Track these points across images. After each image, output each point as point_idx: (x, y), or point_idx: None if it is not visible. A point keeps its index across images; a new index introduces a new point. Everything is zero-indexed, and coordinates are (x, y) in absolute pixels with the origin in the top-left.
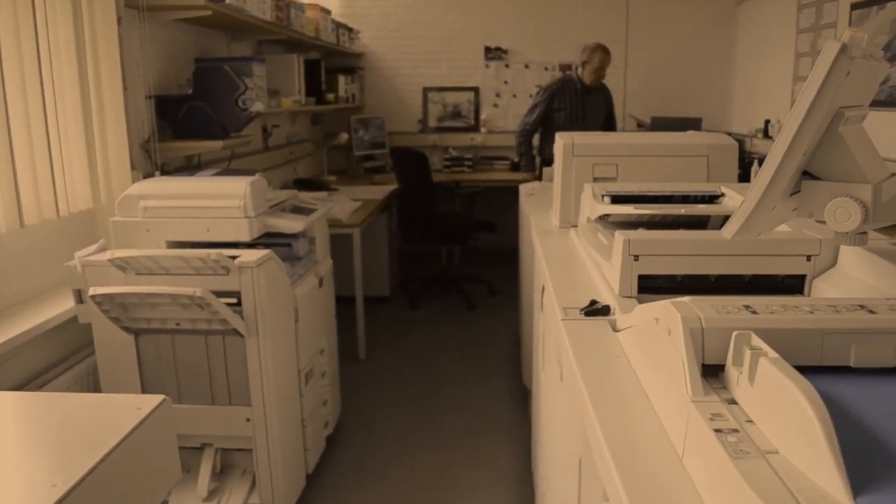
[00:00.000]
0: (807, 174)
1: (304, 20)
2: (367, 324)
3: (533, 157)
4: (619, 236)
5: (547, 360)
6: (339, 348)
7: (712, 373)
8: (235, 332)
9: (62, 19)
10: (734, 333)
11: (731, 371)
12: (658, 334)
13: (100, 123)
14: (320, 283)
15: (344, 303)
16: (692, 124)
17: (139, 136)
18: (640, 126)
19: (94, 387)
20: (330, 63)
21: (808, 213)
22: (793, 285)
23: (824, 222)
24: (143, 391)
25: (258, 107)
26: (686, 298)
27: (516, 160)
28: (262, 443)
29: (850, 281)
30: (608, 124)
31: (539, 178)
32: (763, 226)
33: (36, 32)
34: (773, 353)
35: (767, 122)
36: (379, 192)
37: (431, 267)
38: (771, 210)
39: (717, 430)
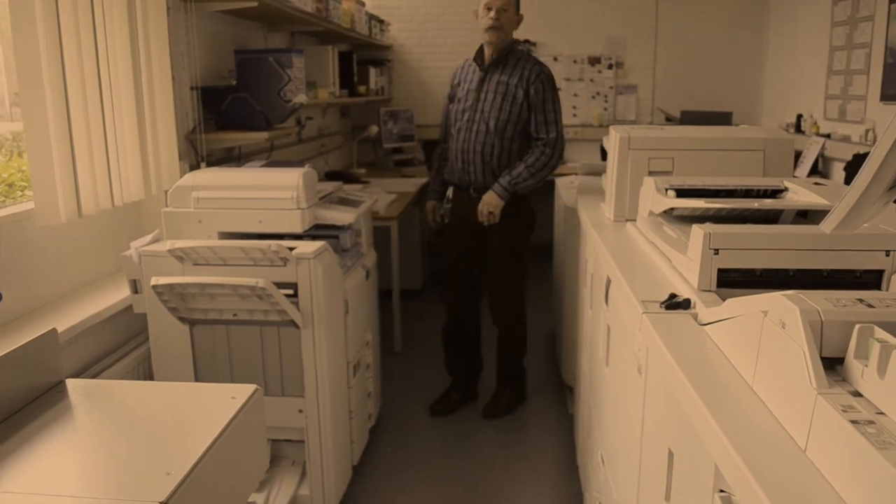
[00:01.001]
0: None
1: (341, 12)
2: (401, 317)
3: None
4: (698, 230)
5: (615, 353)
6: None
7: (827, 365)
8: (291, 323)
9: (118, 7)
10: (857, 326)
11: (854, 364)
12: (766, 327)
13: (151, 114)
14: (367, 275)
15: (378, 295)
16: (722, 118)
17: (184, 127)
18: (669, 120)
19: (147, 376)
20: (360, 55)
21: None
22: (870, 280)
23: None
24: (197, 381)
25: (301, 98)
26: (794, 292)
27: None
28: (315, 434)
29: None
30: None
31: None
32: (862, 220)
33: (94, 21)
34: None
35: (800, 116)
36: (410, 184)
37: None
38: (872, 205)
39: (853, 422)
